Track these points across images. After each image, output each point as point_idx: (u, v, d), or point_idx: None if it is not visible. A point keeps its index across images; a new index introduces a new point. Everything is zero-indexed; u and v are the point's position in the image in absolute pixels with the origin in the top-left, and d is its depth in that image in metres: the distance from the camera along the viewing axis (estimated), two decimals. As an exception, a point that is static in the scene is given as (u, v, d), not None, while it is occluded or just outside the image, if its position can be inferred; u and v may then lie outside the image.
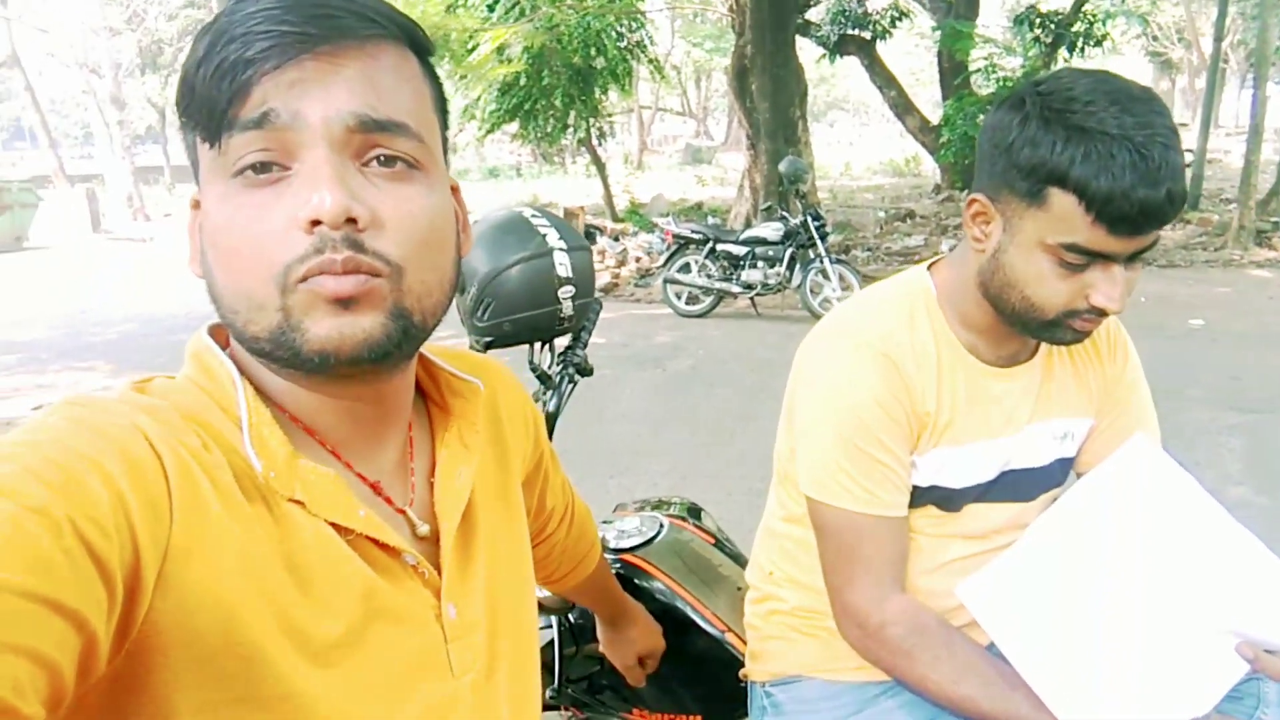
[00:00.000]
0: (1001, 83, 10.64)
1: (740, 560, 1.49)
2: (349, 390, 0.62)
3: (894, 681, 1.08)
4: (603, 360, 6.24)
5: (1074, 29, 10.65)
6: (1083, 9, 10.78)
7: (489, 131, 12.71)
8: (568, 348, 1.40)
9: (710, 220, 10.44)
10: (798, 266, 7.58)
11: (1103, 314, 0.97)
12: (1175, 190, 0.89)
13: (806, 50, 13.65)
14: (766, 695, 1.23)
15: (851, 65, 15.87)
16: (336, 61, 0.56)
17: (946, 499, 1.12)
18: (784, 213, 8.01)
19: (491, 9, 10.95)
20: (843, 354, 1.08)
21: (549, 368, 1.39)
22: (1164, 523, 0.99)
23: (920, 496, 1.11)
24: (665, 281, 8.14)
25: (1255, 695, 1.08)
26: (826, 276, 7.28)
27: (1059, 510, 1.03)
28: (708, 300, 8.00)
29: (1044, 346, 1.14)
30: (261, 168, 0.56)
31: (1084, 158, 0.89)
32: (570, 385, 1.39)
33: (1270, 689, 1.09)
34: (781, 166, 7.77)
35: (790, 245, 7.62)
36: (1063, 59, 10.78)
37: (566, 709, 1.45)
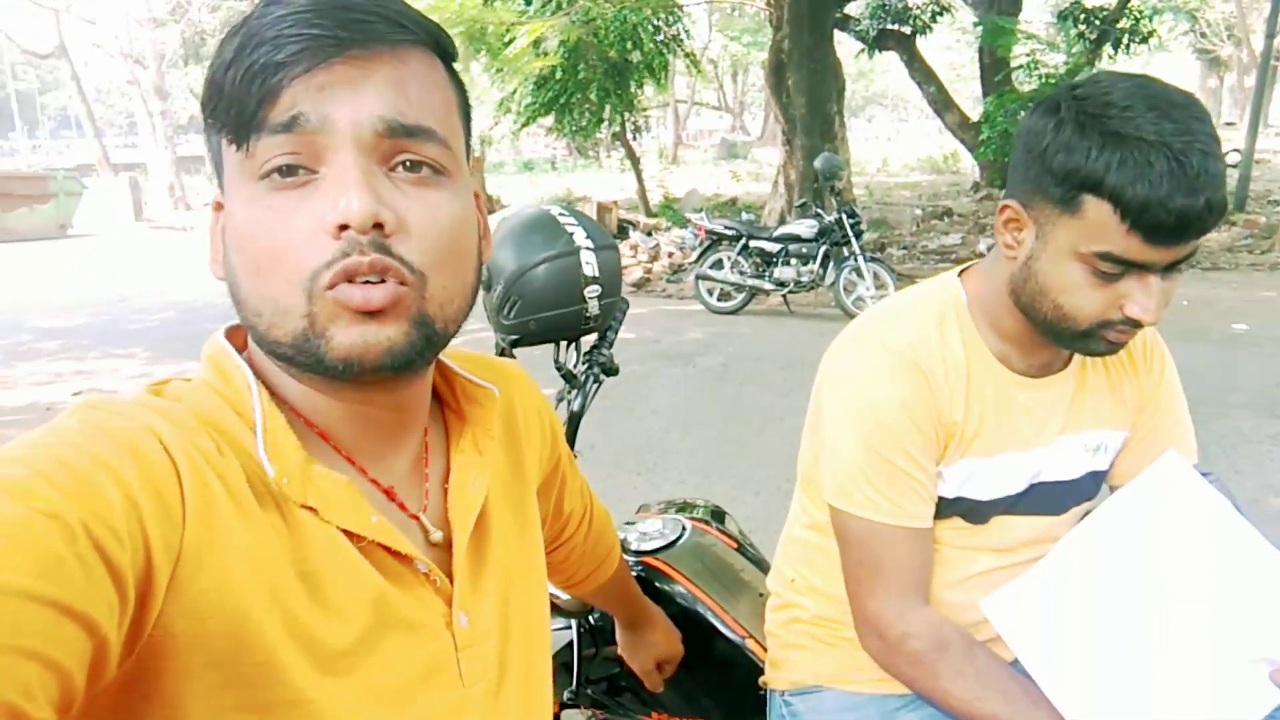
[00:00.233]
0: (1044, 80, 10.47)
1: (763, 565, 1.48)
2: (368, 396, 0.62)
3: (915, 695, 1.07)
4: (633, 356, 6.29)
5: (1119, 25, 10.44)
6: (1129, 5, 10.56)
7: (524, 125, 12.75)
8: (593, 347, 1.40)
9: (744, 216, 10.40)
10: (831, 264, 7.52)
11: (1137, 325, 0.94)
12: (1214, 199, 0.86)
13: (845, 45, 13.54)
14: (785, 704, 1.21)
15: (890, 60, 15.66)
16: (366, 66, 0.56)
17: (973, 511, 1.10)
18: (819, 209, 7.95)
19: (529, 2, 10.96)
20: (870, 361, 1.06)
21: (574, 367, 1.39)
22: (1195, 544, 0.96)
23: (946, 508, 1.09)
24: (697, 278, 8.12)
25: None
26: (861, 275, 7.22)
27: (1087, 527, 1.01)
28: (740, 297, 7.97)
29: (1078, 356, 1.11)
30: (288, 171, 0.56)
31: (1120, 164, 0.87)
32: (595, 385, 1.38)
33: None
34: (817, 163, 7.70)
35: (824, 243, 7.56)
36: (1107, 56, 10.58)
37: (586, 709, 1.45)
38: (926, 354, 1.05)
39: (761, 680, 1.28)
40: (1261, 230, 10.02)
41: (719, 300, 8.08)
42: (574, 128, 12.65)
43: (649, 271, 9.95)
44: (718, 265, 8.00)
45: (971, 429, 1.06)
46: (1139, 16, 10.61)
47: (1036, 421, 1.09)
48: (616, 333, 1.40)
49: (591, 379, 1.38)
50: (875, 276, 7.19)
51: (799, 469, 1.22)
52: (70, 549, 0.43)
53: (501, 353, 1.33)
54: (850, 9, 13.44)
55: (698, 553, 1.44)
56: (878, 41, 13.55)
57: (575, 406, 1.36)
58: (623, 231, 12.02)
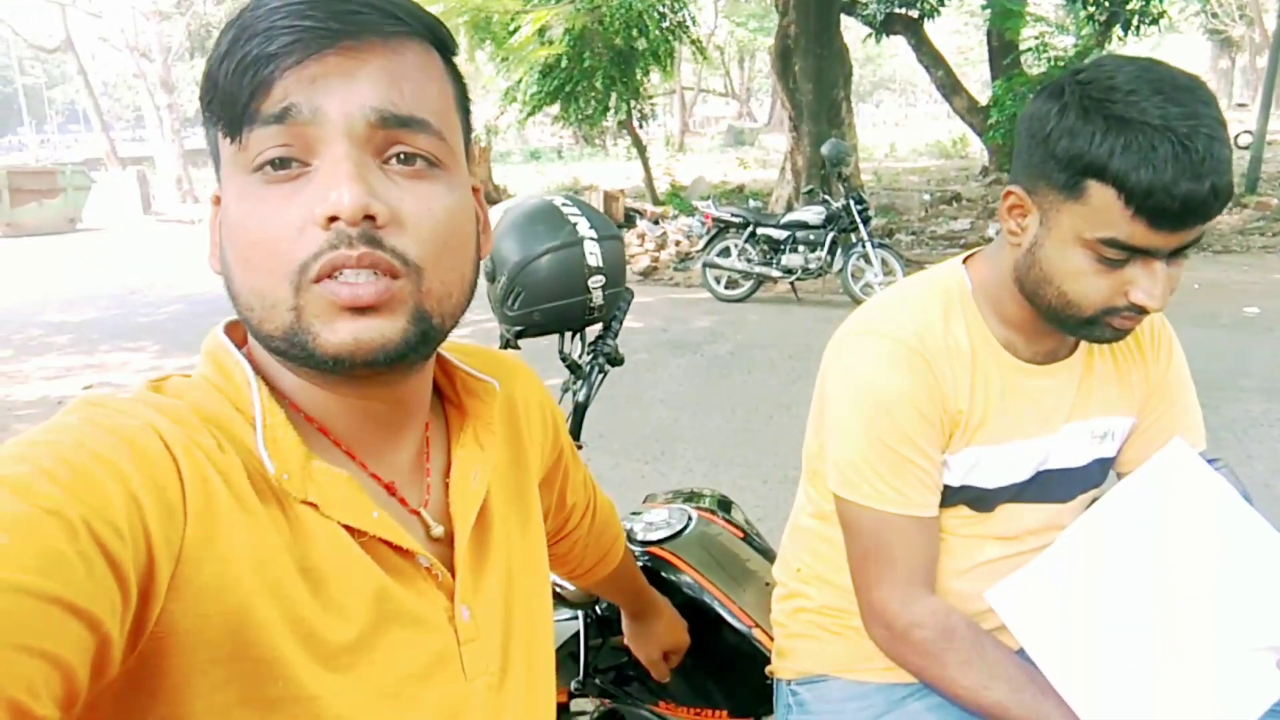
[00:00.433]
0: (1053, 62, 10.40)
1: (769, 555, 1.48)
2: (366, 391, 0.62)
3: (922, 684, 1.07)
4: (640, 344, 6.28)
5: (1129, 6, 10.31)
6: (1139, -15, 10.45)
7: (530, 114, 12.73)
8: (598, 337, 1.40)
9: (751, 203, 10.37)
10: (839, 251, 7.49)
11: (1143, 312, 0.93)
12: (1219, 184, 0.85)
13: (852, 29, 13.43)
14: (792, 694, 1.22)
15: (898, 44, 15.58)
16: (359, 57, 0.56)
17: (979, 499, 1.09)
18: (826, 196, 7.92)
19: (533, -10, 10.94)
20: (874, 350, 1.06)
21: (579, 357, 1.39)
22: (1201, 532, 0.96)
23: (952, 496, 1.08)
24: (705, 265, 8.10)
25: None
26: (868, 261, 7.19)
27: (1093, 516, 1.00)
28: (747, 285, 7.95)
29: (1084, 343, 1.11)
30: (281, 163, 0.55)
31: (1124, 149, 0.86)
32: (600, 375, 1.38)
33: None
34: (824, 149, 7.65)
35: (832, 229, 7.53)
36: (1117, 38, 10.48)
37: (594, 699, 1.46)
38: (931, 342, 1.04)
39: (768, 669, 1.29)
40: (1273, 212, 9.94)
41: (726, 288, 8.07)
42: (580, 116, 12.62)
43: (656, 260, 9.94)
44: (725, 253, 7.98)
45: (977, 417, 1.06)
46: (1149, -3, 10.50)
47: (1042, 409, 1.08)
48: (621, 323, 1.40)
49: (596, 369, 1.37)
50: (883, 263, 7.16)
51: (804, 458, 1.22)
52: (72, 546, 0.43)
53: (506, 344, 1.33)
54: (857, -7, 13.36)
55: (704, 542, 1.44)
56: (885, 25, 13.45)
57: (580, 397, 1.36)
58: (630, 220, 11.99)
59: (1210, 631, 0.92)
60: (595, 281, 1.29)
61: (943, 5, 13.37)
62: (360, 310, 0.55)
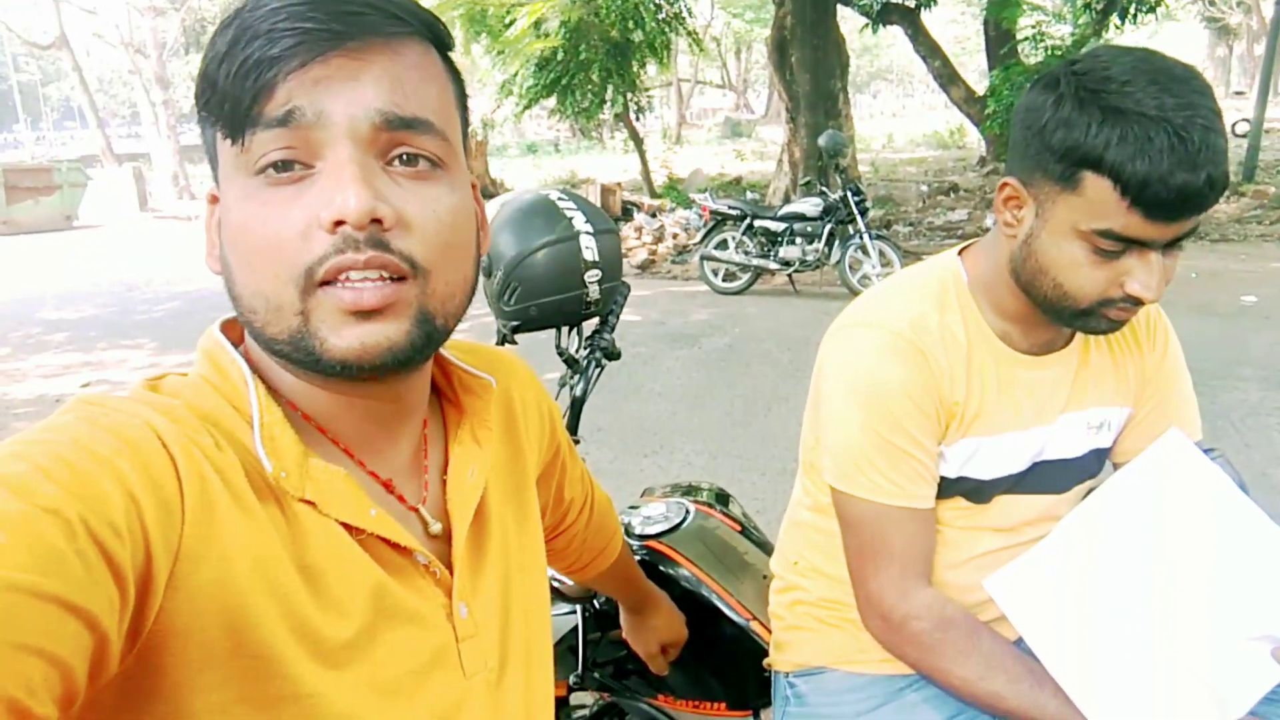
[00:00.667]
0: (1050, 52, 10.36)
1: (766, 548, 1.49)
2: (365, 390, 0.62)
3: (919, 675, 1.07)
4: (638, 338, 6.28)
5: (1126, -6, 10.31)
6: (1135, -27, 10.43)
7: (526, 107, 12.71)
8: (595, 331, 1.40)
9: (748, 196, 10.35)
10: (837, 242, 7.49)
11: (1139, 303, 0.94)
12: (1216, 175, 0.85)
13: (849, 20, 13.41)
14: (790, 685, 1.22)
15: (895, 35, 15.56)
16: (362, 59, 0.56)
17: (976, 490, 1.09)
18: (823, 188, 7.91)
19: (528, -17, 10.90)
20: (869, 342, 1.06)
21: (576, 352, 1.39)
22: (1197, 521, 0.96)
23: (949, 488, 1.09)
24: (702, 258, 8.10)
25: None
26: (866, 253, 7.19)
27: (1089, 506, 1.01)
28: (745, 277, 7.95)
29: (1080, 334, 1.11)
30: (284, 166, 0.55)
31: (1120, 140, 0.86)
32: (597, 369, 1.38)
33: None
34: (821, 141, 7.64)
35: (829, 221, 7.53)
36: (1114, 26, 10.46)
37: (593, 692, 1.46)
38: (926, 334, 1.04)
39: (766, 662, 1.29)
40: (1271, 201, 9.93)
41: (724, 281, 8.06)
42: (576, 109, 12.61)
43: (654, 253, 9.93)
44: (722, 245, 7.97)
45: (973, 408, 1.06)
46: (1146, -15, 10.48)
47: (1039, 400, 1.08)
48: (618, 317, 1.40)
49: (593, 364, 1.38)
50: (881, 254, 7.16)
51: (800, 451, 1.22)
52: (70, 545, 0.43)
53: (503, 339, 1.33)
54: (854, -17, 13.32)
55: (701, 536, 1.44)
56: (882, 16, 13.41)
57: (577, 392, 1.36)
58: (627, 213, 11.98)
59: (1206, 620, 0.92)
60: (592, 276, 1.29)
61: (939, -6, 13.34)
62: (365, 314, 0.55)
